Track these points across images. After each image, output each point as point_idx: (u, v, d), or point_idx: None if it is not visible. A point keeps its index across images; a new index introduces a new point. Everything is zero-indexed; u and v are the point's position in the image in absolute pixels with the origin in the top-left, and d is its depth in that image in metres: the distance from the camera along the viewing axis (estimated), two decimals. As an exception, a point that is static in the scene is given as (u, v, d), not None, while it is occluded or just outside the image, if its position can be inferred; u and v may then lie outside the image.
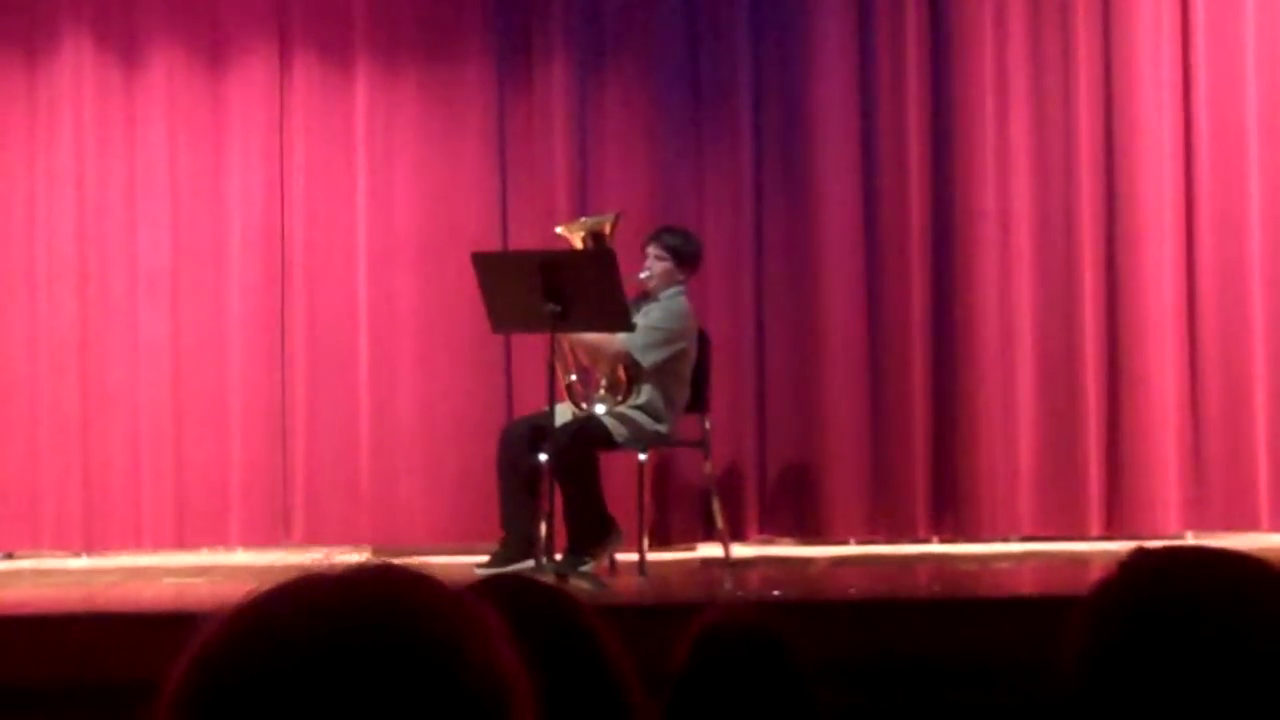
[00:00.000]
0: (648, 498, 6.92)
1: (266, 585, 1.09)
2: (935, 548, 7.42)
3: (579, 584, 6.05)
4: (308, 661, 1.02)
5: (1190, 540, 6.97)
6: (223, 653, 1.05)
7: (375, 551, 7.40)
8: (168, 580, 6.74)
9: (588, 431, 6.58)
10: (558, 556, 6.31)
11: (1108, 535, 7.32)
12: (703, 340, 7.00)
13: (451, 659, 1.04)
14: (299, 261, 7.65)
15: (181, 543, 7.56)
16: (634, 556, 6.54)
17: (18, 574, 7.09)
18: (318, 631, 1.03)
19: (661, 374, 6.75)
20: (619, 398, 6.77)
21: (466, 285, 6.56)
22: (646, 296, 6.85)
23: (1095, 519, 7.41)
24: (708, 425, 7.03)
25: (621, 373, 6.78)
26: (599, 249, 6.55)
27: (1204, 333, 7.44)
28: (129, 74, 7.67)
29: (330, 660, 1.02)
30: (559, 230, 6.82)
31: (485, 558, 6.51)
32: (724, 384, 7.35)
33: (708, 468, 7.04)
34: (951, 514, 7.51)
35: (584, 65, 7.66)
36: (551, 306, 6.12)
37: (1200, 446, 7.43)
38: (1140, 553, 1.50)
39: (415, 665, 1.03)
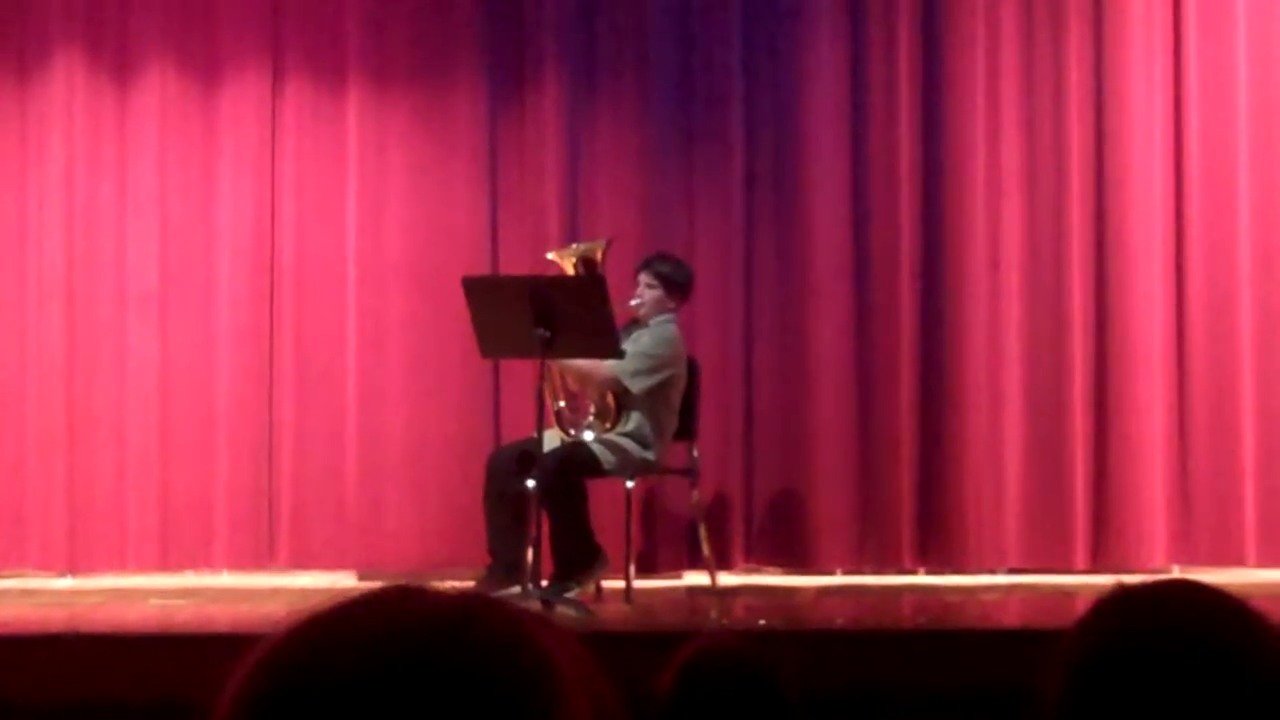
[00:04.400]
0: (635, 525, 6.92)
1: (340, 599, 1.05)
2: (921, 579, 7.42)
3: (565, 611, 6.05)
4: (379, 684, 0.99)
5: (1176, 574, 6.97)
6: (291, 665, 1.01)
7: (361, 576, 7.38)
8: (152, 602, 6.72)
9: (575, 458, 6.58)
10: (544, 583, 6.31)
11: (1094, 569, 7.32)
12: (692, 368, 7.00)
13: (529, 708, 1.00)
14: (288, 283, 7.65)
15: (166, 564, 7.54)
16: (620, 584, 6.53)
17: (2, 594, 7.06)
18: (396, 653, 1.00)
19: (650, 401, 6.75)
20: (607, 424, 6.77)
21: (456, 309, 6.56)
22: (636, 323, 6.85)
23: (1082, 552, 7.41)
24: (695, 453, 7.02)
25: (610, 399, 6.78)
26: (589, 275, 6.55)
27: (1193, 366, 7.45)
28: (120, 93, 7.67)
29: (402, 685, 0.98)
30: (550, 256, 6.82)
31: (471, 583, 6.50)
32: (712, 412, 7.35)
33: (695, 496, 7.04)
34: (938, 545, 7.51)
35: (575, 89, 7.67)
36: (541, 332, 6.12)
37: (1188, 481, 7.44)
38: (1120, 589, 1.51)
39: (490, 704, 0.99)
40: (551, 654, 1.03)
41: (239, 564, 7.57)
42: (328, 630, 1.03)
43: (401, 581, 1.08)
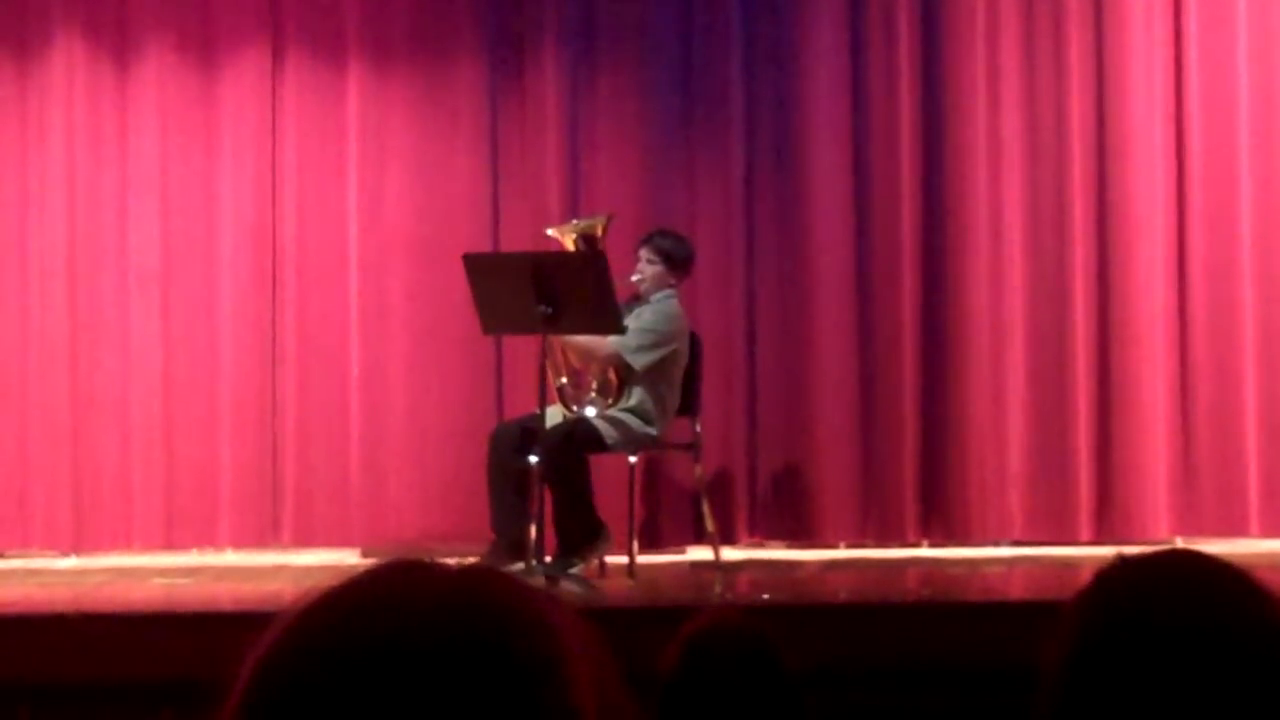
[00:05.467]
0: (638, 500, 6.93)
1: (361, 571, 1.06)
2: (925, 552, 7.43)
3: (568, 586, 6.06)
4: (387, 659, 1.00)
5: (1178, 545, 6.97)
6: (303, 643, 1.02)
7: (364, 553, 7.40)
8: (157, 581, 6.73)
9: (578, 434, 6.58)
10: (547, 558, 6.31)
11: (1098, 540, 7.32)
12: (694, 343, 7.00)
13: (537, 681, 1.01)
14: (290, 262, 7.65)
15: (171, 543, 7.56)
16: (623, 559, 6.54)
17: (7, 573, 7.08)
18: (403, 627, 1.01)
19: (652, 376, 6.75)
20: (610, 400, 6.77)
21: (457, 287, 6.56)
22: (638, 299, 6.85)
23: (1085, 524, 7.41)
24: (698, 428, 7.03)
25: (612, 375, 6.78)
26: (590, 251, 6.55)
27: (1195, 338, 7.44)
28: (120, 74, 7.67)
29: (412, 660, 1.00)
30: (550, 232, 6.82)
31: (475, 559, 6.50)
32: (715, 387, 7.35)
33: (698, 470, 7.04)
34: (941, 518, 7.51)
35: (576, 67, 7.66)
36: (542, 308, 6.12)
37: (1190, 452, 7.44)
38: (1121, 559, 1.51)
39: (499, 678, 1.00)
40: (556, 629, 1.04)
41: (243, 542, 7.59)
42: (337, 607, 1.04)
43: (405, 557, 1.08)
